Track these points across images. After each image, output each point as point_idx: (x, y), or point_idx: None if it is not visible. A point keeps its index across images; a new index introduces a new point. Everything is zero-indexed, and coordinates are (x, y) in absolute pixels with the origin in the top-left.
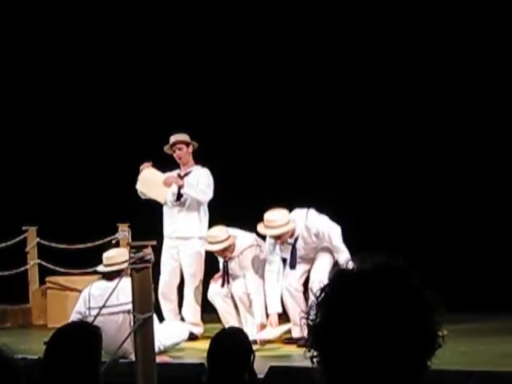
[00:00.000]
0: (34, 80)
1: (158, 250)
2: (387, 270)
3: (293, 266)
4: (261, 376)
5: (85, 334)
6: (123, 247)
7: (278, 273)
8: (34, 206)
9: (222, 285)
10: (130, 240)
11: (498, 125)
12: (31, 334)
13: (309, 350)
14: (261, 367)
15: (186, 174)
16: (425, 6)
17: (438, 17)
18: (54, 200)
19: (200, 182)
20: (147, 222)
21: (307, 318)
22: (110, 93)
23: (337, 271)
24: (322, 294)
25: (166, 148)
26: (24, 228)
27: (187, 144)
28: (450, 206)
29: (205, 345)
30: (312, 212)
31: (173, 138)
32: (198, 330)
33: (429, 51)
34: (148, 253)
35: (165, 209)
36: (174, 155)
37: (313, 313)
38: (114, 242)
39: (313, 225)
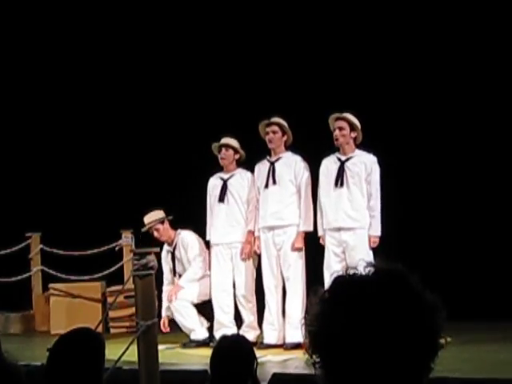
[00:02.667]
0: (37, 87)
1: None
2: (386, 274)
3: (341, 184)
4: (264, 383)
5: (88, 340)
6: (126, 254)
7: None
8: (38, 213)
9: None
10: (133, 246)
11: (502, 129)
12: (34, 341)
13: (311, 357)
14: (264, 374)
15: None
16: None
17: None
18: (57, 207)
19: None
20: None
21: (308, 325)
22: (113, 99)
23: (335, 277)
24: (322, 301)
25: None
26: (27, 234)
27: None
28: (452, 214)
29: (208, 351)
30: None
31: None
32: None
33: (437, 49)
34: (151, 259)
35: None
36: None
37: (314, 319)
38: (117, 248)
39: (370, 166)
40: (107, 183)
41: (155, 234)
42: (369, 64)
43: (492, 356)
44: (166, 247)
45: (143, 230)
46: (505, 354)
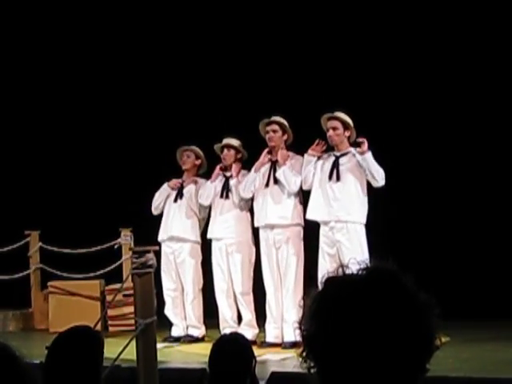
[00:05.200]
0: (37, 85)
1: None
2: (378, 274)
3: (337, 178)
4: (262, 382)
5: (86, 338)
6: (125, 252)
7: None
8: (37, 211)
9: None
10: (132, 245)
11: (493, 126)
12: (33, 339)
13: (305, 361)
14: (262, 373)
15: (183, 186)
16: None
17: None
18: (56, 205)
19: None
20: (150, 226)
21: (301, 329)
22: (113, 98)
23: (327, 278)
24: (314, 303)
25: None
26: (26, 232)
27: (197, 156)
28: (448, 212)
29: (206, 350)
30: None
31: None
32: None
33: (435, 50)
34: (150, 258)
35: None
36: (182, 160)
37: (306, 321)
38: (116, 246)
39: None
40: (106, 181)
41: (184, 158)
42: (365, 63)
43: (492, 355)
44: (175, 180)
45: (182, 148)
46: (504, 353)
